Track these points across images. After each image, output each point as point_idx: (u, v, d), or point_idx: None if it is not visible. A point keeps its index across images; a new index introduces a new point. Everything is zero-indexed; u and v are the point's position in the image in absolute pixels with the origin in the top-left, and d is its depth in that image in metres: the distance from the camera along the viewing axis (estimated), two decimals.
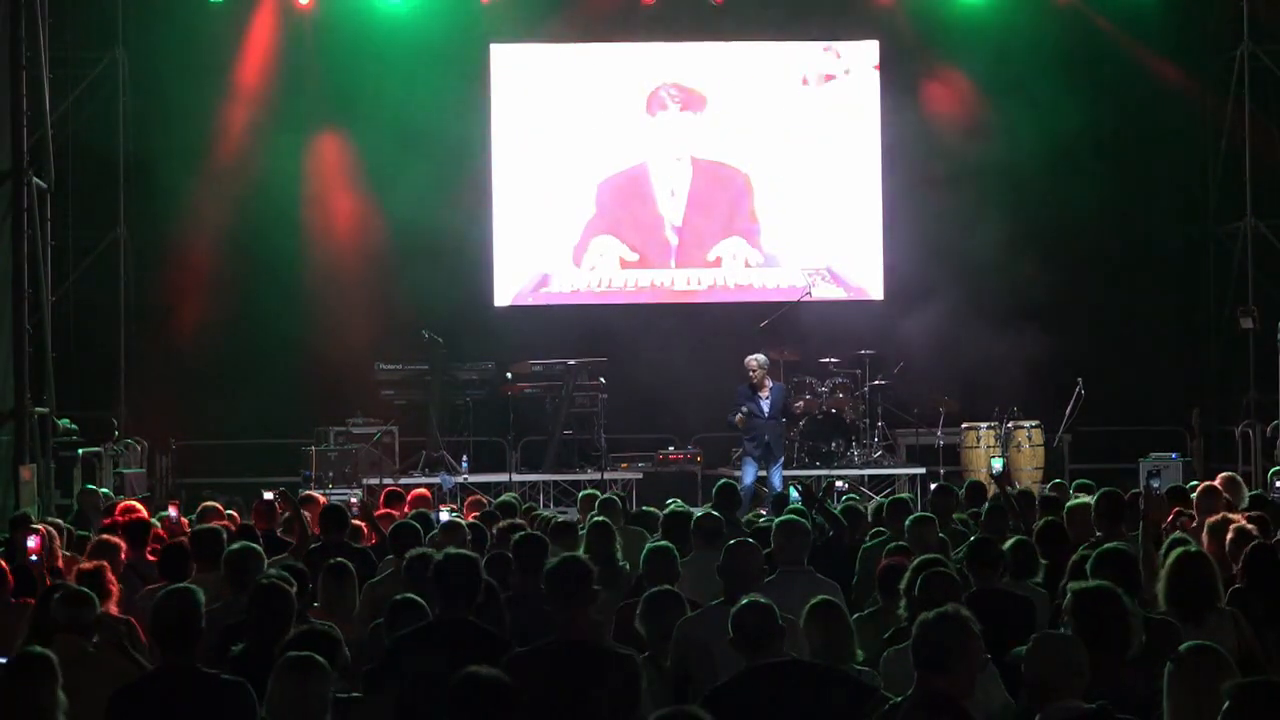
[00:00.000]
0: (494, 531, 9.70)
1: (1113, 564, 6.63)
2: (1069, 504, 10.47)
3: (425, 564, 7.60)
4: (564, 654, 5.98)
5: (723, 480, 11.49)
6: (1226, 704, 4.39)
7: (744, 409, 16.40)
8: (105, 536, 9.42)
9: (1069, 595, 5.81)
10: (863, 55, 20.30)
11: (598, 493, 12.91)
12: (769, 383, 16.70)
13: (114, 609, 7.47)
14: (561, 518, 11.01)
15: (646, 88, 20.21)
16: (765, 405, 16.54)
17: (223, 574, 8.05)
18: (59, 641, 6.44)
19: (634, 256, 20.08)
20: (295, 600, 6.70)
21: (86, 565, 8.02)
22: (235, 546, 8.11)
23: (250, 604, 6.70)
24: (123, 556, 9.06)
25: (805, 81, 20.25)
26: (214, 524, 10.16)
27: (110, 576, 7.87)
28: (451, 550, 6.97)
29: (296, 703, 5.24)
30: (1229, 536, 8.50)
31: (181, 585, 6.55)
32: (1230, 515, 9.14)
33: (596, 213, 20.10)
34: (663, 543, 7.95)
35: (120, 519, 10.81)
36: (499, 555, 8.38)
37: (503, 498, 12.75)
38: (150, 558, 9.56)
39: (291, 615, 6.58)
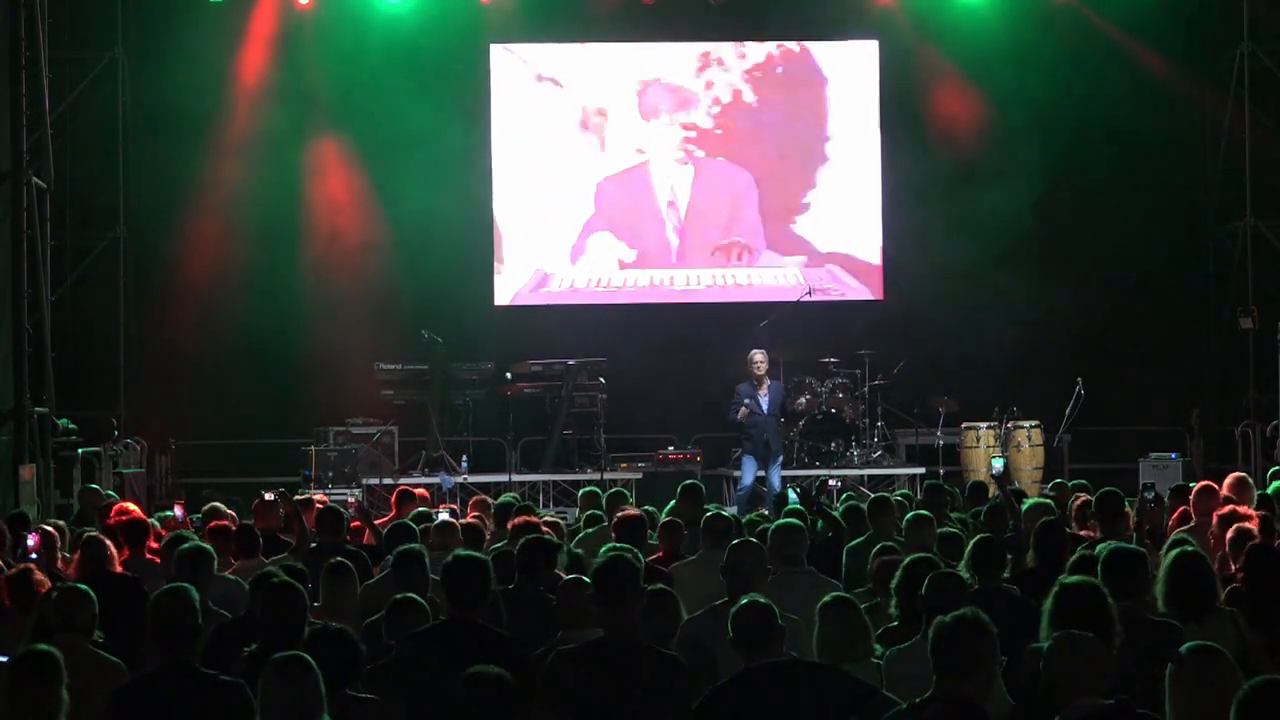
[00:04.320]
0: (508, 528, 9.72)
1: (1121, 563, 6.60)
2: (1028, 502, 10.48)
3: (414, 560, 7.59)
4: (610, 653, 5.91)
5: (688, 481, 11.40)
6: (1238, 704, 4.36)
7: (745, 401, 16.37)
8: (95, 534, 9.35)
9: (1055, 589, 5.82)
10: (863, 55, 20.31)
11: (598, 490, 12.89)
12: (768, 380, 16.71)
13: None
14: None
15: (646, 88, 20.21)
16: (765, 402, 16.54)
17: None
18: (58, 641, 6.38)
19: (631, 255, 20.08)
20: (307, 599, 6.67)
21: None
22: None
23: (263, 604, 6.62)
24: (116, 555, 8.98)
25: (804, 81, 20.26)
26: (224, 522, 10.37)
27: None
28: (461, 552, 6.92)
29: (287, 703, 5.21)
30: (1229, 535, 8.48)
31: (178, 584, 6.52)
32: (1238, 510, 9.10)
33: (596, 211, 20.11)
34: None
35: (116, 519, 10.74)
36: (504, 554, 8.37)
37: (503, 498, 12.70)
38: (151, 558, 9.54)
39: (304, 614, 6.50)
